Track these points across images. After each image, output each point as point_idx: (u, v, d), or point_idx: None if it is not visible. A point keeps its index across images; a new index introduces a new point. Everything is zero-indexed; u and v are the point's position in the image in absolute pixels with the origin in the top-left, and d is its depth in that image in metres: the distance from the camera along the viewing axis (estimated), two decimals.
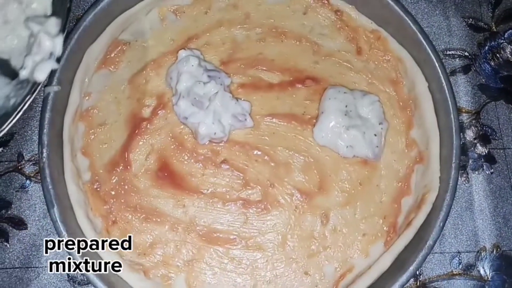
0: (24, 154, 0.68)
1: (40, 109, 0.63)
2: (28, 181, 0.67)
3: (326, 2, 0.71)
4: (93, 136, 0.65)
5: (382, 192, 0.66)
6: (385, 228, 0.64)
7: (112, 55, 0.68)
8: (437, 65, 0.66)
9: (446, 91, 0.65)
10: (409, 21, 0.67)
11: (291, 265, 0.63)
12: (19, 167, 0.68)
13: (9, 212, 0.66)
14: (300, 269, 0.63)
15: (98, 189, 0.63)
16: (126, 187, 0.64)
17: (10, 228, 0.66)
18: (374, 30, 0.70)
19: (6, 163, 0.68)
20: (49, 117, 0.61)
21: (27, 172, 0.68)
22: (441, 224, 0.61)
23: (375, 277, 0.61)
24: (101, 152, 0.65)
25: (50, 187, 0.59)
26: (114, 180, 0.64)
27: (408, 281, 0.59)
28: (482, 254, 0.68)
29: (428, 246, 0.60)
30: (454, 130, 0.64)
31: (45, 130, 0.61)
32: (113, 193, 0.63)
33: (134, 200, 0.63)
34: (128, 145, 0.65)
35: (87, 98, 0.66)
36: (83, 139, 0.65)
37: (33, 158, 0.68)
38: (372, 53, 0.70)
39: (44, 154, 0.60)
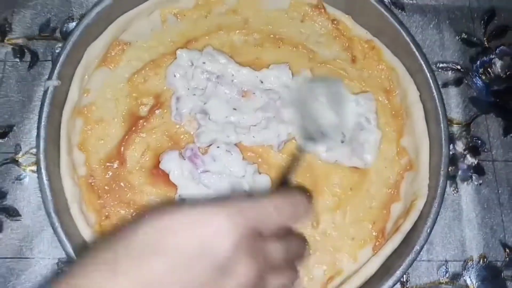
0: (22, 146, 0.70)
1: (40, 103, 0.64)
2: (24, 173, 0.69)
3: (323, 11, 0.73)
4: (90, 132, 0.66)
5: (372, 198, 0.67)
6: (374, 233, 0.65)
7: (113, 54, 0.69)
8: (428, 75, 0.68)
9: (437, 101, 0.67)
10: (403, 32, 0.69)
11: None
12: (16, 159, 0.69)
13: (4, 202, 0.67)
14: None
15: (93, 183, 0.64)
16: (120, 183, 0.65)
17: (5, 218, 0.67)
18: (369, 40, 0.72)
19: (4, 154, 0.69)
20: (48, 111, 0.63)
21: (24, 164, 0.69)
22: (428, 230, 0.62)
23: (362, 281, 0.62)
24: (98, 148, 0.66)
25: (45, 178, 0.60)
26: (108, 176, 0.65)
27: (394, 285, 0.60)
28: (469, 264, 0.69)
29: (415, 251, 0.61)
30: (443, 139, 0.65)
31: (43, 123, 0.62)
32: (107, 188, 0.64)
33: (127, 196, 0.64)
34: (124, 142, 0.66)
35: (86, 94, 0.67)
36: (80, 135, 0.66)
37: (30, 150, 0.69)
38: (367, 62, 0.72)
39: (41, 147, 0.61)
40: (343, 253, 0.65)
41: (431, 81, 0.67)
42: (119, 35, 0.70)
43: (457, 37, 0.79)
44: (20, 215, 0.67)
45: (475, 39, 0.79)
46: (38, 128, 0.62)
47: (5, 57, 0.73)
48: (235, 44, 0.72)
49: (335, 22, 0.73)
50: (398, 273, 0.60)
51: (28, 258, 0.65)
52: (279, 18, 0.73)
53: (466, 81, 0.76)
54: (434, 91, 0.67)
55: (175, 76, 0.67)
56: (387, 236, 0.65)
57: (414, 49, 0.68)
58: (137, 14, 0.70)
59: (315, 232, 0.65)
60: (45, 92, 0.63)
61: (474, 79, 0.76)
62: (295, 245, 0.46)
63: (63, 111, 0.65)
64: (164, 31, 0.71)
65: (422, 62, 0.68)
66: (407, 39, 0.69)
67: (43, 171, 0.60)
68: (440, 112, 0.66)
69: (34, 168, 0.68)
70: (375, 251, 0.64)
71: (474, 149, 0.74)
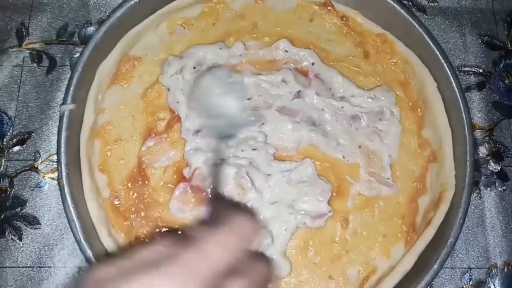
0: (41, 153, 0.69)
1: (58, 112, 0.64)
2: (44, 180, 0.68)
3: (331, 8, 0.72)
4: (109, 153, 0.65)
5: (399, 193, 0.66)
6: (404, 228, 0.65)
7: (124, 70, 0.68)
8: (445, 65, 0.67)
9: (456, 90, 0.66)
10: (415, 24, 0.68)
11: (315, 270, 0.63)
12: (36, 166, 0.68)
13: (23, 210, 0.67)
14: (324, 274, 0.63)
15: (118, 205, 0.63)
16: (146, 201, 0.64)
17: (24, 226, 0.66)
18: (380, 34, 0.71)
19: (23, 161, 0.68)
20: (66, 136, 0.61)
21: (43, 171, 0.68)
22: (461, 221, 0.62)
23: (399, 278, 0.61)
24: (119, 168, 0.65)
25: (71, 206, 0.59)
26: (133, 196, 0.64)
27: (433, 279, 0.60)
28: (493, 271, 0.69)
29: (450, 243, 0.61)
30: (466, 128, 0.65)
31: (62, 149, 0.61)
32: (133, 209, 0.63)
33: (154, 214, 0.63)
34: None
35: (101, 115, 0.66)
36: (100, 156, 0.65)
37: (49, 157, 0.69)
38: (380, 56, 0.71)
39: (64, 173, 0.60)
40: (375, 251, 0.64)
41: (448, 70, 0.67)
42: (128, 50, 0.68)
43: (479, 40, 0.78)
44: (40, 223, 0.66)
45: (498, 42, 0.78)
46: (58, 154, 0.61)
47: (22, 62, 0.72)
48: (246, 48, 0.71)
49: (345, 19, 0.72)
50: (435, 267, 0.60)
51: (48, 267, 0.65)
52: (287, 19, 0.72)
53: (488, 85, 0.75)
54: (452, 80, 0.66)
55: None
56: (418, 230, 0.65)
57: (428, 40, 0.68)
58: (144, 28, 0.69)
59: (345, 233, 0.65)
60: (61, 117, 0.62)
61: (497, 83, 0.75)
62: (258, 271, 0.41)
63: (81, 134, 0.63)
64: (173, 42, 0.70)
65: (437, 52, 0.67)
66: (420, 30, 0.68)
67: (68, 198, 0.59)
68: (460, 101, 0.66)
69: (53, 175, 0.68)
70: (408, 247, 0.64)
71: (497, 155, 0.73)
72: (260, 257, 0.44)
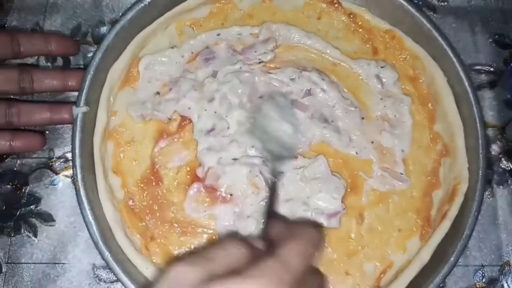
0: (55, 151, 0.70)
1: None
2: (58, 178, 0.69)
3: (339, 6, 0.73)
4: (122, 154, 0.65)
5: (413, 187, 0.66)
6: (419, 222, 0.65)
7: (134, 73, 0.68)
8: (454, 59, 0.67)
9: (466, 83, 0.66)
10: (423, 19, 0.68)
11: (332, 266, 0.63)
12: (50, 164, 0.69)
13: (38, 207, 0.68)
14: (341, 270, 0.63)
15: (133, 206, 0.63)
16: (160, 202, 0.64)
17: (39, 223, 0.67)
18: (389, 30, 0.72)
19: (38, 159, 0.69)
20: (80, 138, 0.62)
21: (57, 169, 0.69)
22: (476, 214, 0.62)
23: (416, 271, 0.61)
24: (132, 170, 0.65)
25: (88, 208, 0.59)
26: (147, 197, 0.64)
27: (449, 272, 0.60)
28: (506, 268, 0.69)
29: (466, 236, 0.61)
30: (477, 121, 0.65)
31: (77, 152, 0.61)
32: (148, 210, 0.63)
33: (169, 214, 0.63)
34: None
35: (113, 117, 0.66)
36: (113, 158, 0.65)
37: (63, 155, 0.70)
38: (389, 52, 0.72)
39: (79, 176, 0.60)
40: (391, 246, 0.64)
41: (457, 64, 0.67)
42: (138, 53, 0.69)
43: (490, 39, 0.78)
44: (54, 220, 0.67)
45: (508, 40, 0.78)
46: (73, 157, 0.61)
47: (37, 62, 0.73)
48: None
49: (352, 16, 0.72)
50: (452, 260, 0.60)
51: (63, 264, 0.65)
52: (295, 18, 0.72)
53: (500, 84, 0.76)
54: (462, 74, 0.67)
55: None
56: (433, 224, 0.65)
57: (436, 34, 0.68)
58: (153, 30, 0.69)
59: (361, 229, 0.65)
60: (75, 120, 0.62)
61: (508, 81, 0.75)
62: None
63: (94, 137, 0.63)
64: (183, 43, 0.70)
65: (446, 46, 0.68)
66: (428, 25, 0.68)
67: (84, 200, 0.59)
68: (470, 94, 0.66)
69: (67, 173, 0.69)
70: (423, 240, 0.64)
71: (509, 153, 0.73)
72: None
